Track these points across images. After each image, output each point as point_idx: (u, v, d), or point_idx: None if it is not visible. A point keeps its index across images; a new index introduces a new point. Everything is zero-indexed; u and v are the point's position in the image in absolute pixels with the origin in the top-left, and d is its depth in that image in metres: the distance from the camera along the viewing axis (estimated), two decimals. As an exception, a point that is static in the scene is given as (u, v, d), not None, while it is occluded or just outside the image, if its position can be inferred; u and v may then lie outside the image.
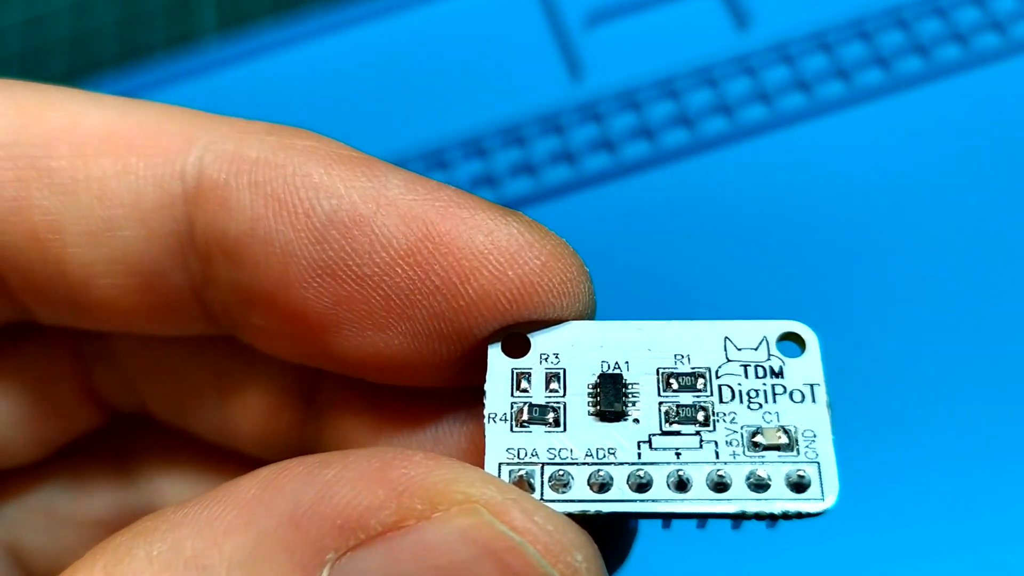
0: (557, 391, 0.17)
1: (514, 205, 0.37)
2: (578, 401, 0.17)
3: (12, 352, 0.21)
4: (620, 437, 0.16)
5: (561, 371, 0.17)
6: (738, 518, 0.16)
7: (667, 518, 0.16)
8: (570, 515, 0.16)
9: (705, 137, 0.37)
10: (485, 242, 0.17)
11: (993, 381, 0.29)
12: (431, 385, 0.18)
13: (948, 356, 0.30)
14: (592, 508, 0.16)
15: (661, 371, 0.17)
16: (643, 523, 0.17)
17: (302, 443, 0.21)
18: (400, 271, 0.17)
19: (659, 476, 0.16)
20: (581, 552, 0.15)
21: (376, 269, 0.17)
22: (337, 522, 0.14)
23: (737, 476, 0.16)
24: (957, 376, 0.30)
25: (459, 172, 0.38)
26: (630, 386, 0.17)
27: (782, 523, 0.17)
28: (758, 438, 0.16)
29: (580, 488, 0.16)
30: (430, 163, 0.38)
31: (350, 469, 0.14)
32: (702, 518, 0.16)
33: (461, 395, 0.19)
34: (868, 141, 0.35)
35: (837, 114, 0.36)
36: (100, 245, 0.18)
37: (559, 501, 0.16)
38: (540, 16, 0.41)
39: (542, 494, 0.16)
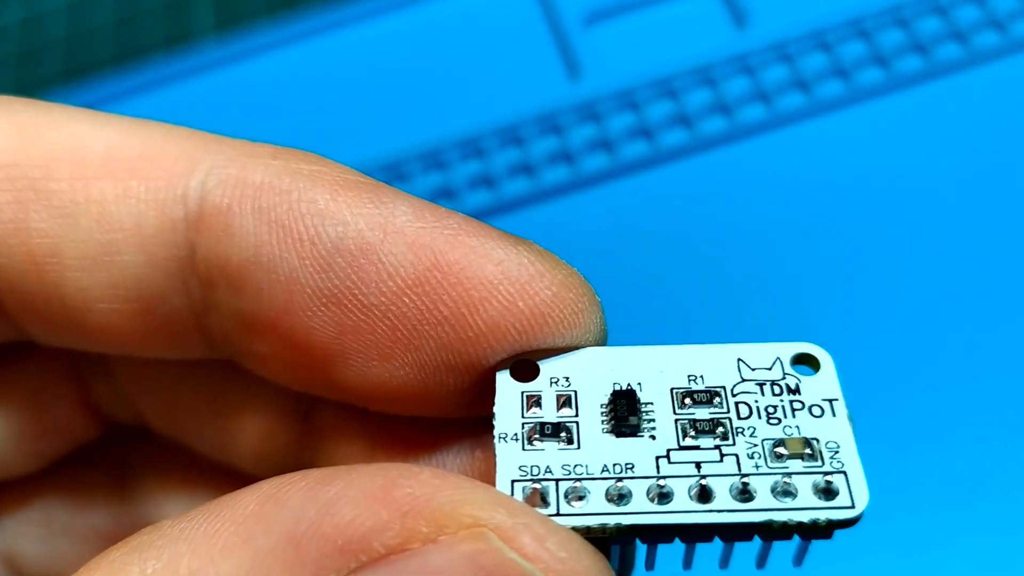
0: (569, 412, 0.16)
1: (512, 206, 0.37)
2: (591, 420, 0.16)
3: (9, 369, 0.21)
4: (637, 452, 0.16)
5: (572, 393, 0.17)
6: (765, 532, 0.15)
7: (690, 535, 0.16)
8: (588, 533, 0.15)
9: (704, 137, 0.36)
10: (495, 272, 0.16)
11: (1011, 382, 0.29)
12: (436, 416, 0.18)
13: (954, 354, 0.30)
14: (612, 521, 0.15)
15: (675, 391, 0.17)
16: (660, 561, 0.17)
17: (299, 463, 0.20)
18: (408, 301, 0.16)
19: (680, 487, 0.15)
20: None
21: (383, 298, 0.16)
22: (338, 543, 0.13)
23: (762, 486, 0.15)
24: (966, 376, 0.30)
25: (456, 173, 0.38)
26: (644, 405, 0.16)
27: (811, 550, 0.16)
28: (780, 448, 0.16)
29: (598, 501, 0.15)
30: (427, 164, 0.38)
31: (353, 487, 0.14)
32: (727, 533, 0.15)
33: (460, 425, 0.18)
34: (868, 140, 0.35)
35: (836, 113, 0.36)
36: (99, 269, 0.17)
37: (576, 515, 0.15)
38: (538, 15, 0.41)
39: (558, 508, 0.15)
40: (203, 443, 0.21)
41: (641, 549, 0.17)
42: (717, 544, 0.16)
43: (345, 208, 0.17)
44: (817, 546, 0.16)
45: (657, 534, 0.16)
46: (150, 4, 0.48)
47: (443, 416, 0.18)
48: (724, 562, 0.17)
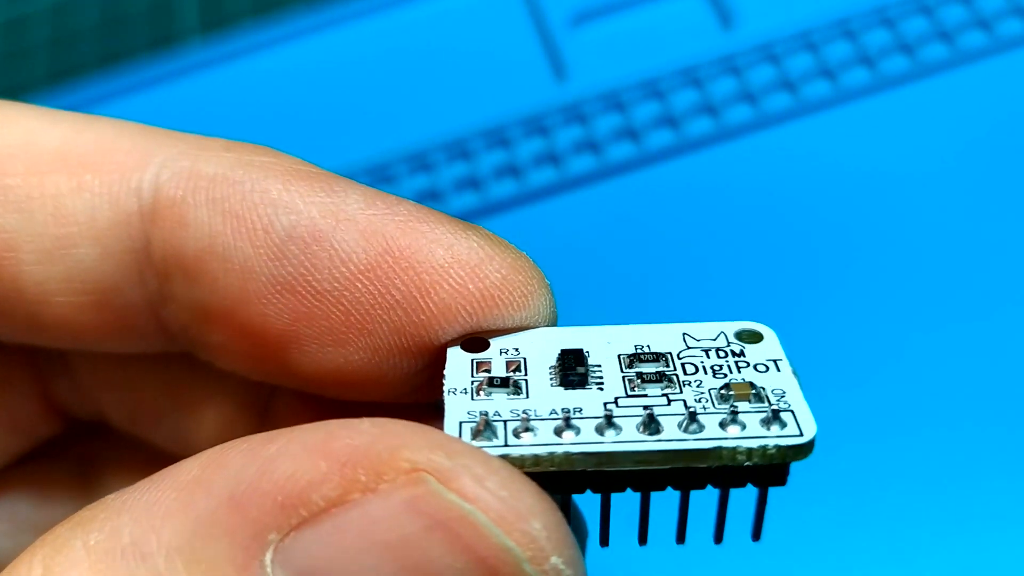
0: (518, 374, 0.17)
1: (498, 208, 0.36)
2: (540, 377, 0.17)
3: None
4: (585, 399, 0.16)
5: (521, 360, 0.17)
6: (717, 475, 0.15)
7: (640, 480, 0.15)
8: (536, 464, 0.15)
9: (690, 138, 0.36)
10: (446, 256, 0.17)
11: (979, 382, 0.29)
12: (391, 401, 0.18)
13: (937, 353, 0.30)
14: (559, 450, 0.15)
15: (622, 356, 0.17)
16: (615, 537, 0.17)
17: None
18: (360, 286, 0.17)
19: (629, 423, 0.15)
20: (540, 519, 0.14)
21: (336, 284, 0.17)
22: (278, 499, 0.13)
23: (710, 421, 0.15)
24: (944, 376, 0.30)
25: (442, 175, 0.37)
26: (592, 366, 0.17)
27: (767, 525, 0.16)
28: (727, 391, 0.16)
29: (545, 435, 0.15)
30: (413, 166, 0.38)
31: (294, 443, 0.14)
32: (678, 476, 0.15)
33: (416, 412, 0.18)
34: (854, 141, 0.35)
35: (823, 114, 0.36)
36: (55, 263, 0.17)
37: (523, 445, 0.15)
38: (524, 16, 0.41)
39: (505, 440, 0.15)
40: (162, 437, 0.21)
41: (593, 519, 0.17)
42: (672, 514, 0.16)
43: (297, 197, 0.17)
44: (772, 523, 0.16)
45: (606, 479, 0.15)
46: (135, 6, 0.48)
47: (397, 401, 0.18)
48: (680, 536, 0.17)
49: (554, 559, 0.14)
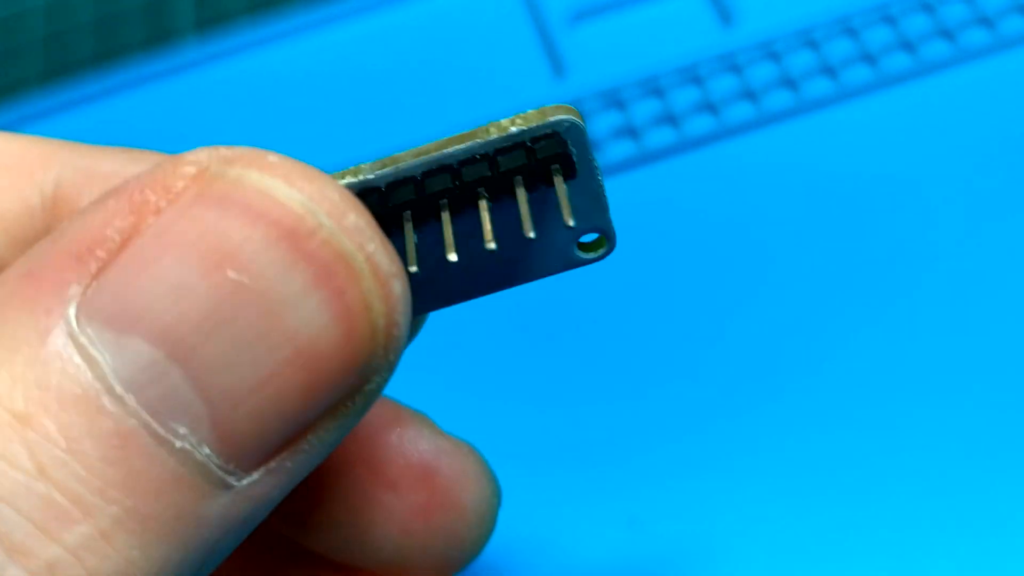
0: None
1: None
2: None
3: None
4: None
5: None
6: (497, 154, 0.16)
7: (417, 160, 0.16)
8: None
9: (690, 136, 0.36)
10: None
11: (980, 381, 0.29)
12: None
13: (936, 354, 0.30)
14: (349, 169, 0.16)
15: None
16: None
17: None
18: None
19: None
20: (331, 185, 0.14)
21: None
22: (73, 252, 0.13)
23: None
24: (948, 373, 0.30)
25: (440, 173, 0.37)
26: None
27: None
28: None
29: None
30: (411, 164, 0.37)
31: (89, 204, 0.14)
32: (455, 161, 0.16)
33: None
34: (856, 139, 0.35)
35: (824, 111, 0.36)
36: None
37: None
38: (523, 13, 0.41)
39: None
40: None
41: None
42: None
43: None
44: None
45: (398, 192, 0.16)
46: (130, 3, 0.47)
47: None
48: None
49: (352, 216, 0.14)
